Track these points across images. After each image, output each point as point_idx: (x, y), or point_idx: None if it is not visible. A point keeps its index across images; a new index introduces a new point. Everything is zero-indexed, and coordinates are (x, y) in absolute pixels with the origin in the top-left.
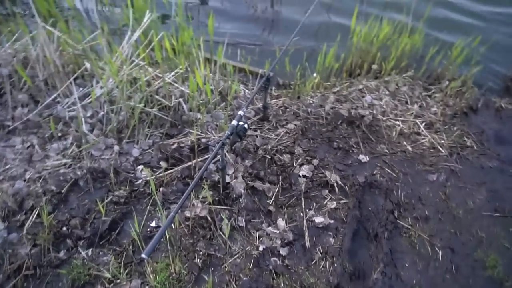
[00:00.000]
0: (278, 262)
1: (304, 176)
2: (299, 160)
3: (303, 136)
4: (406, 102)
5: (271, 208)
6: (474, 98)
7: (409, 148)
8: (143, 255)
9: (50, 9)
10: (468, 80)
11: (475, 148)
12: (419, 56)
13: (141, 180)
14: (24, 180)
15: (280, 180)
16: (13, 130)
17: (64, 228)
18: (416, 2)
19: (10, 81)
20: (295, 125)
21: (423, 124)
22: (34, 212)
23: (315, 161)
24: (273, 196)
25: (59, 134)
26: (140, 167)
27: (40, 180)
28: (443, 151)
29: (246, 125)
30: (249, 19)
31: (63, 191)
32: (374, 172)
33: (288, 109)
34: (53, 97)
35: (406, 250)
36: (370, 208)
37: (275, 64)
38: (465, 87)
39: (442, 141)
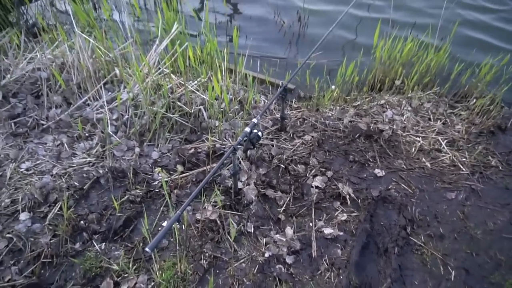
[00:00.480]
0: (283, 269)
1: (317, 187)
2: (313, 171)
3: (319, 147)
4: (429, 119)
5: (280, 216)
6: (503, 117)
7: (428, 164)
8: (147, 249)
9: (89, 20)
10: (497, 98)
11: (500, 168)
12: (445, 73)
13: (157, 181)
14: (51, 175)
15: (292, 189)
16: (46, 128)
17: (82, 222)
18: (442, 22)
19: (47, 83)
20: (312, 136)
21: (445, 141)
22: (57, 205)
23: (329, 173)
24: (284, 205)
25: (86, 134)
26: (157, 169)
27: (65, 176)
28: (464, 169)
29: (260, 133)
30: (276, 33)
31: (85, 187)
32: (389, 187)
33: (306, 121)
34: (84, 99)
35: (417, 268)
36: (382, 223)
37: (293, 76)
38: (493, 105)
39: (464, 159)
